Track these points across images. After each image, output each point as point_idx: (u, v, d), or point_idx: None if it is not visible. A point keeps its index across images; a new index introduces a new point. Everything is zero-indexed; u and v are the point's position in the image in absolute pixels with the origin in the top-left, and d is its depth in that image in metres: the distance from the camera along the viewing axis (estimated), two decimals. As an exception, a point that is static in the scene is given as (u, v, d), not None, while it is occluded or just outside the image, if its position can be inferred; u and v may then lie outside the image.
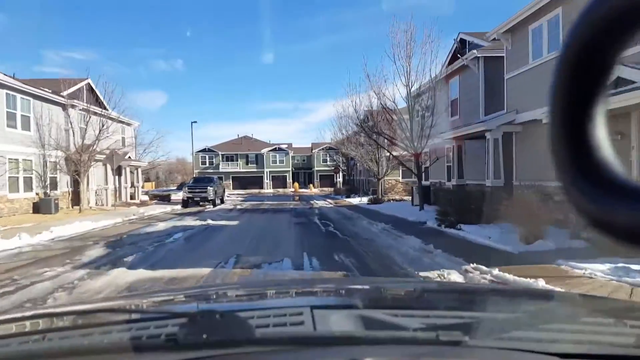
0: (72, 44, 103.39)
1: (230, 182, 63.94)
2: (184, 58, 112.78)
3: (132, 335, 1.04)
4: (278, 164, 64.91)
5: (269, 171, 64.57)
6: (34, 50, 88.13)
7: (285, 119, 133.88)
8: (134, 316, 1.27)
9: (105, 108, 24.19)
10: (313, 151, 65.81)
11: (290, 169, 65.48)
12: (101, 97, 25.09)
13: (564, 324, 1.25)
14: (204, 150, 63.94)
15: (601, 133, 0.37)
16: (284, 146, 65.98)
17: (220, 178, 63.57)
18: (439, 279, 6.38)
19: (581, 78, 0.36)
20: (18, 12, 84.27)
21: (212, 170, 63.42)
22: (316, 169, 65.39)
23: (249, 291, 1.88)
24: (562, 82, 0.37)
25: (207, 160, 63.89)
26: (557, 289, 5.35)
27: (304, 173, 72.78)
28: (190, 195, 26.59)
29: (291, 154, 65.90)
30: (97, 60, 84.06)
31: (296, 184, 59.69)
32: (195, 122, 42.72)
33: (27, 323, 1.26)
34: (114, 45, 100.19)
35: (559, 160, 0.38)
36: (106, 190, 25.74)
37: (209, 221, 16.17)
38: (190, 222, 16.31)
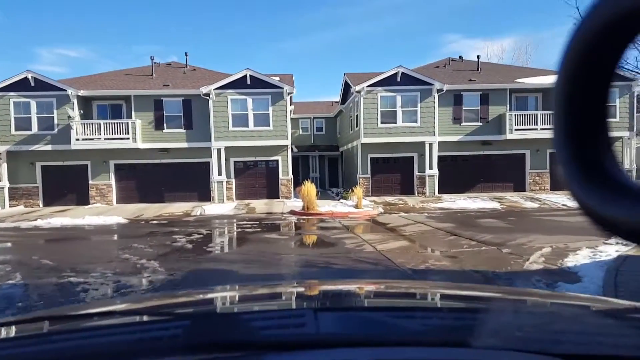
0: None
1: (113, 179, 21.68)
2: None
3: (134, 338, 1.04)
4: (253, 127, 22.10)
5: (226, 148, 21.98)
6: None
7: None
8: (135, 318, 1.27)
9: None
10: (357, 92, 22.68)
11: (288, 142, 22.57)
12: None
13: (565, 324, 1.20)
14: (20, 85, 20.86)
15: (604, 134, 0.37)
16: (274, 79, 23.02)
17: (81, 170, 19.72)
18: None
19: (584, 80, 0.36)
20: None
21: (49, 147, 21.02)
22: (363, 141, 22.39)
23: (250, 293, 1.79)
24: (564, 86, 0.37)
25: (33, 116, 21.05)
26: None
27: (319, 158, 30.24)
28: None
29: (290, 106, 23.31)
30: None
31: (307, 187, 17.38)
32: None
33: (29, 325, 1.25)
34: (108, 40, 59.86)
35: (563, 161, 0.38)
36: None
37: None
38: None
